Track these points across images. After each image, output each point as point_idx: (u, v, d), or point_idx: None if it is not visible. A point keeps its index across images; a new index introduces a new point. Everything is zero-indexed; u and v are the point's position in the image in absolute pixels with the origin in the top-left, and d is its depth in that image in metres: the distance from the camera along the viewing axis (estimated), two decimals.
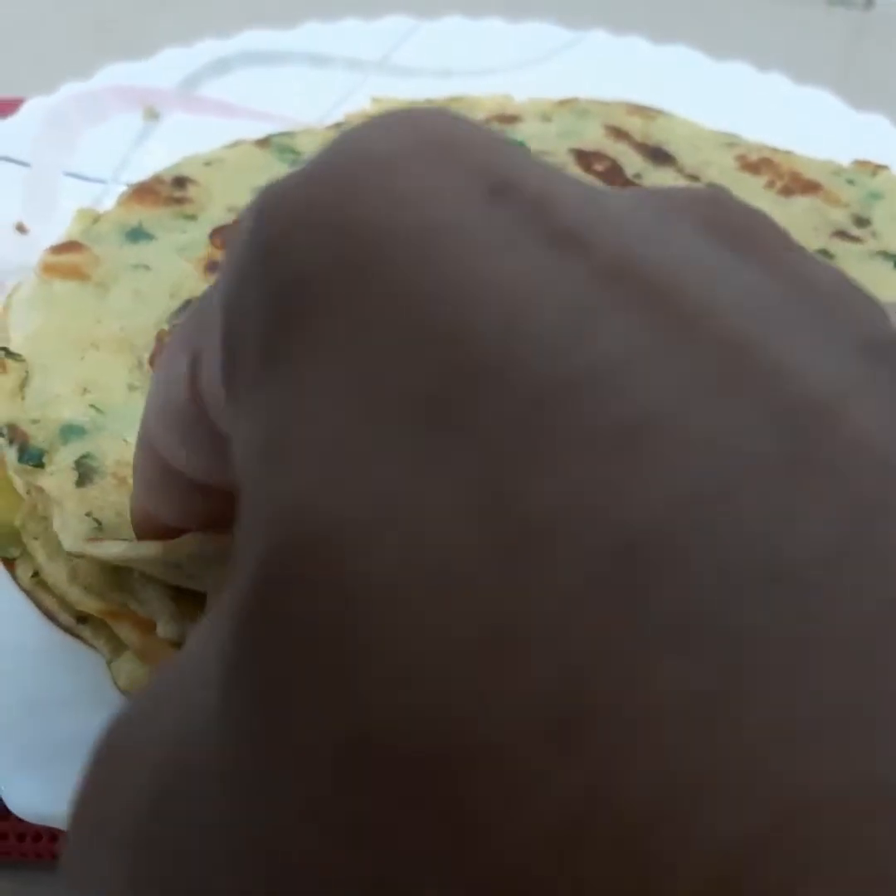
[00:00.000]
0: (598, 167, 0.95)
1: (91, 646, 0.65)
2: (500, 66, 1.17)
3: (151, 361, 0.73)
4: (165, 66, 1.08)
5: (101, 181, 0.98)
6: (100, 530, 0.62)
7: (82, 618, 0.65)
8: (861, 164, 1.01)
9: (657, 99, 1.11)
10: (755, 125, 1.08)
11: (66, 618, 0.66)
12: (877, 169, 1.00)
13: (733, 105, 1.10)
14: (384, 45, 1.16)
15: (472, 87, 1.14)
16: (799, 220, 0.92)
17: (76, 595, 0.63)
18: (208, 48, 1.10)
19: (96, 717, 0.61)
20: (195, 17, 1.16)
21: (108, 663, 0.63)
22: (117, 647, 0.62)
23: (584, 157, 0.96)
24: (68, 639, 0.65)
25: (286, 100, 1.10)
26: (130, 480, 0.66)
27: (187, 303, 0.78)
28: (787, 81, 1.12)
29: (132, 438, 0.68)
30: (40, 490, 0.66)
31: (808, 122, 1.08)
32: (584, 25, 1.18)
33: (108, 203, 0.92)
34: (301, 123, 1.05)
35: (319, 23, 1.15)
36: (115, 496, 0.65)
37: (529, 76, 1.16)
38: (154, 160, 0.99)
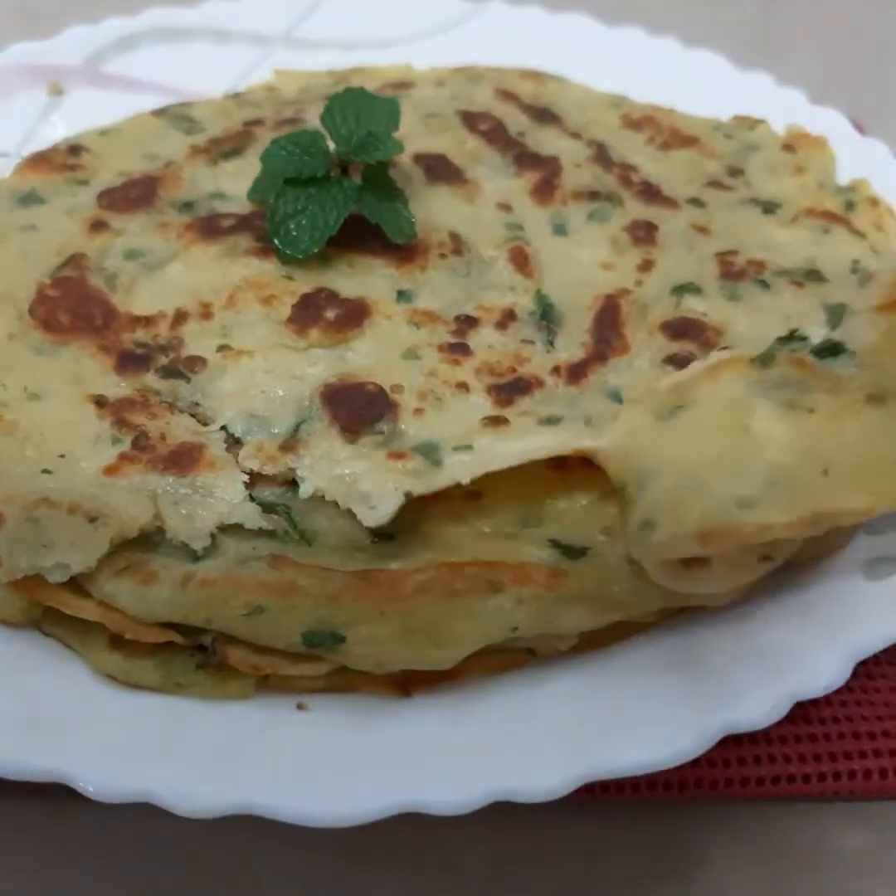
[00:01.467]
0: (483, 127, 0.98)
1: None
2: (403, 38, 1.20)
3: (31, 311, 0.76)
4: (71, 44, 1.10)
5: (4, 155, 1.01)
6: None
7: None
8: (740, 120, 1.04)
9: (555, 65, 1.14)
10: (647, 87, 1.11)
11: None
12: (755, 123, 1.03)
13: (627, 68, 1.14)
14: (287, 19, 1.19)
15: (376, 59, 1.17)
16: (675, 172, 0.96)
17: None
18: (114, 26, 1.13)
19: None
20: None
21: None
22: None
23: (470, 118, 0.99)
24: None
25: (192, 74, 1.12)
26: (7, 418, 0.69)
27: (70, 258, 0.81)
28: (677, 45, 1.16)
29: (10, 383, 0.72)
30: None
31: (697, 82, 1.12)
32: None
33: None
34: (205, 96, 1.08)
35: (223, 0, 1.18)
36: None
37: (431, 46, 1.18)
38: (58, 134, 1.02)
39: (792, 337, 0.68)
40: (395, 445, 0.68)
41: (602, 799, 0.64)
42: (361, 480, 0.66)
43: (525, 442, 0.67)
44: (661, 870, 0.63)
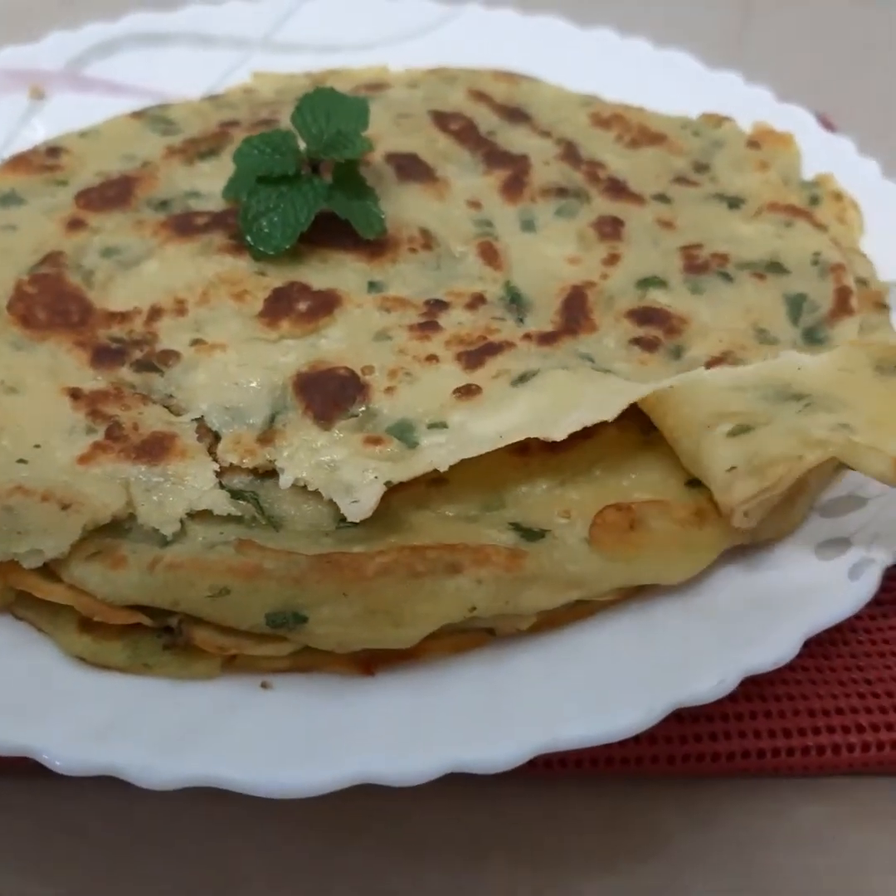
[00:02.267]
0: (454, 127, 1.00)
1: None
2: (381, 41, 1.22)
3: (9, 308, 0.78)
4: (53, 49, 1.12)
5: None
6: None
7: None
8: (707, 117, 1.06)
9: (529, 66, 1.16)
10: (619, 86, 1.13)
11: None
12: (721, 121, 1.05)
13: (599, 68, 1.16)
14: (267, 23, 1.21)
15: (354, 62, 1.19)
16: (643, 168, 0.97)
17: None
18: (95, 31, 1.15)
19: None
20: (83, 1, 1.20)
21: None
22: None
23: (442, 118, 1.01)
24: None
25: (172, 78, 1.15)
26: None
27: (48, 256, 0.83)
28: (647, 46, 1.18)
29: None
30: None
31: (668, 82, 1.13)
32: (458, 0, 1.24)
33: None
34: (185, 99, 1.10)
35: (203, 5, 1.20)
36: None
37: (409, 49, 1.21)
38: (38, 137, 1.04)
39: None
40: (370, 427, 0.70)
41: (561, 774, 0.65)
42: (341, 469, 0.67)
43: (499, 418, 0.69)
44: (619, 846, 0.65)
